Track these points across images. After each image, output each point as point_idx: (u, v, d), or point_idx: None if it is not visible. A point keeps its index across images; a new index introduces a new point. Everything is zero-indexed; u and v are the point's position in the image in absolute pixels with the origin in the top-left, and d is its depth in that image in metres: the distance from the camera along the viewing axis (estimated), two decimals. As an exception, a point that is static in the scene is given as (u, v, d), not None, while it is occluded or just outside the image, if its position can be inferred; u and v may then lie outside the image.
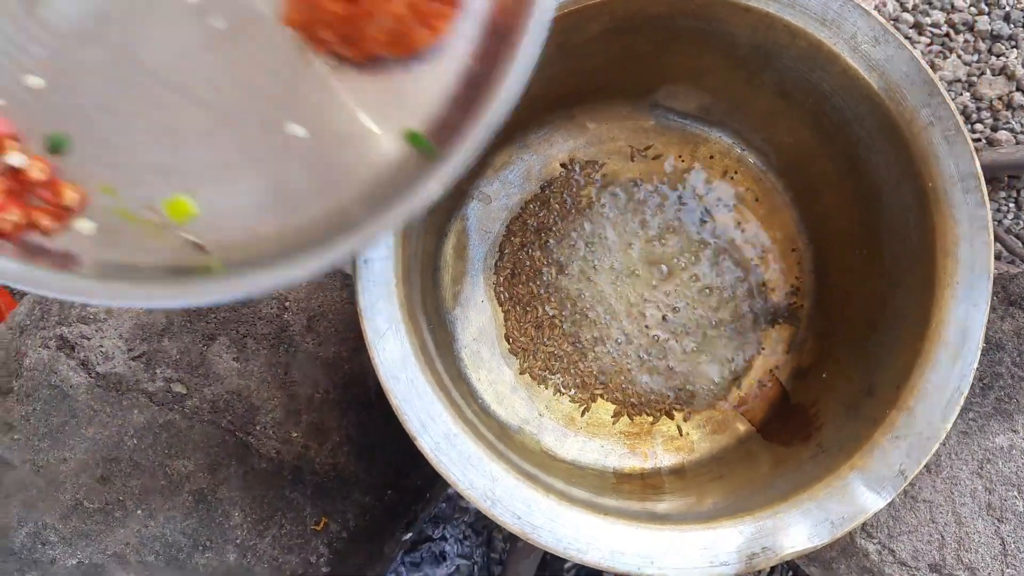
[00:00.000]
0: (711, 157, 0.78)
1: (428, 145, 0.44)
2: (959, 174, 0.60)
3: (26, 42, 0.40)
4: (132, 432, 0.69)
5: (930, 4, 0.99)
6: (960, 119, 0.60)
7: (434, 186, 0.42)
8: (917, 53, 0.60)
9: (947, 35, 0.98)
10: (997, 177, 0.94)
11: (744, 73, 0.69)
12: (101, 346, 0.71)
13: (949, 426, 0.58)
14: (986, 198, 0.59)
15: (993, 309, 0.74)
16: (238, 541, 0.69)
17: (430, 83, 0.44)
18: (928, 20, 0.98)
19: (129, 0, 0.41)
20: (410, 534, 0.88)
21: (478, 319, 0.76)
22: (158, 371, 0.71)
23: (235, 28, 0.43)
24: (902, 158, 0.62)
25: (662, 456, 0.76)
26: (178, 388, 0.71)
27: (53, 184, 0.39)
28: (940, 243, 0.60)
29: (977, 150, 0.92)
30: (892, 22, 0.97)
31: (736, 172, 0.78)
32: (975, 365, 0.58)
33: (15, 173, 0.39)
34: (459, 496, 0.95)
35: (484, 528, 0.92)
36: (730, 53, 0.67)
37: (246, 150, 0.42)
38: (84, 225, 0.41)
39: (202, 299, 0.39)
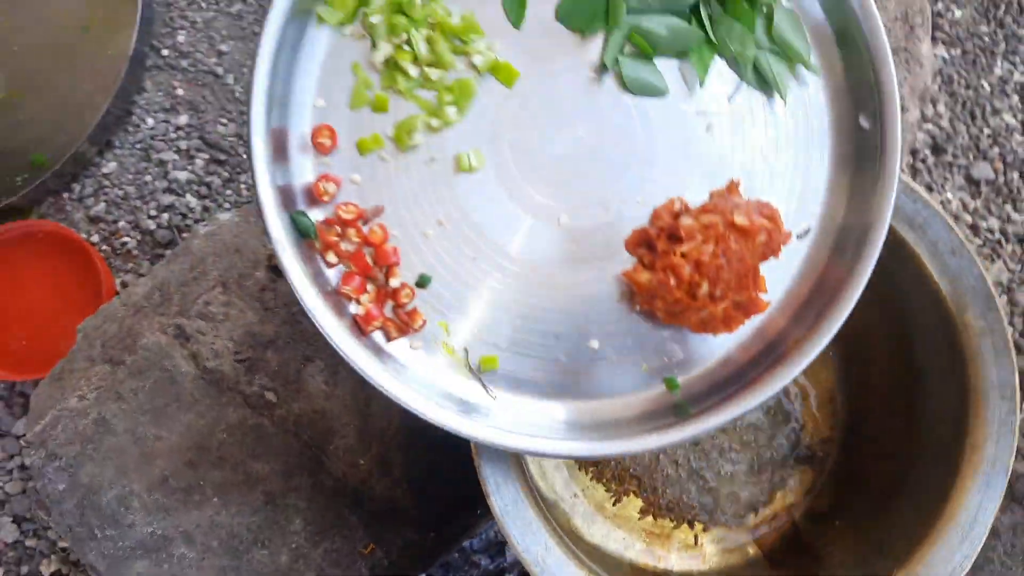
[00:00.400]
0: (776, 304, 0.87)
1: (682, 401, 0.56)
2: (999, 381, 0.69)
3: (436, 209, 0.53)
4: (224, 427, 0.76)
5: (989, 211, 1.09)
6: (1011, 335, 0.69)
7: (654, 441, 0.52)
8: (984, 270, 0.70)
9: (999, 242, 1.08)
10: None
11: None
12: (213, 344, 0.79)
13: (946, 598, 0.65)
14: (1018, 408, 0.68)
15: (997, 501, 0.82)
16: (293, 546, 0.76)
17: (703, 355, 0.56)
18: (984, 224, 1.08)
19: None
20: (423, 575, 0.95)
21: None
22: (256, 378, 0.79)
23: (583, 260, 0.55)
24: (953, 354, 0.71)
25: (675, 560, 0.83)
26: (270, 396, 0.78)
27: (412, 311, 0.53)
28: (971, 436, 0.69)
29: (1006, 352, 1.01)
30: (953, 218, 1.08)
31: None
32: (978, 549, 0.66)
33: (388, 290, 0.52)
34: (472, 550, 1.02)
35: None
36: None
37: (549, 347, 0.55)
38: (415, 343, 0.54)
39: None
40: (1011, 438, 0.68)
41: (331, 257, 0.51)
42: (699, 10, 0.51)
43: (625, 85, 0.52)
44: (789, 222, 0.55)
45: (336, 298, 0.52)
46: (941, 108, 1.10)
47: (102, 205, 1.08)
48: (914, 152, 1.08)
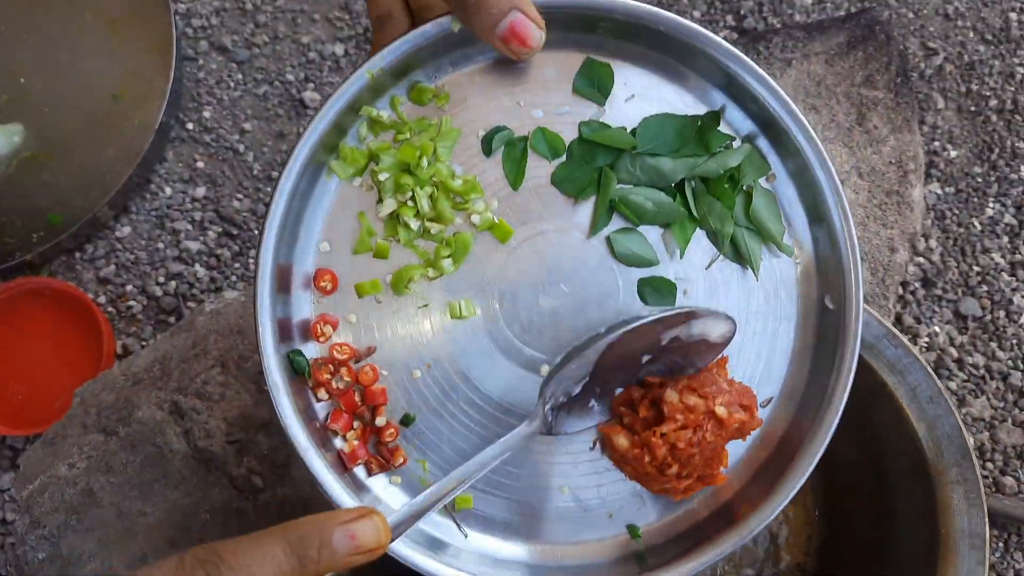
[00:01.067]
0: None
1: (643, 550, 0.58)
2: (970, 531, 0.70)
3: (425, 352, 0.56)
4: (208, 508, 0.77)
5: (975, 347, 1.12)
6: (983, 485, 0.71)
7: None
8: (960, 420, 0.72)
9: (983, 377, 1.11)
10: (994, 522, 1.04)
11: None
12: (207, 423, 0.80)
13: None
14: (987, 558, 0.69)
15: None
16: (264, 635, 0.76)
17: (666, 506, 0.59)
18: (970, 360, 1.11)
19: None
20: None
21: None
22: (245, 460, 0.80)
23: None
24: (927, 499, 0.72)
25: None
26: (257, 480, 0.80)
27: (395, 448, 0.55)
28: (939, 583, 0.70)
29: (989, 494, 1.02)
30: (939, 352, 1.10)
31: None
32: None
33: (374, 428, 0.55)
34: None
35: None
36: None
37: (522, 490, 0.58)
38: (395, 479, 0.56)
39: None
40: (979, 589, 0.69)
41: (322, 394, 0.54)
42: (683, 187, 0.55)
43: (616, 256, 0.56)
44: (756, 385, 0.57)
45: (323, 432, 0.54)
46: (933, 243, 1.14)
47: (112, 267, 1.11)
48: (904, 284, 1.11)
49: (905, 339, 0.73)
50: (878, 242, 0.89)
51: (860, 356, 0.74)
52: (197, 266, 1.11)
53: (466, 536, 0.56)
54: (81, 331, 1.07)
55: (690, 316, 0.54)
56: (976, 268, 1.14)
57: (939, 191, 1.17)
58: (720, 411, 0.55)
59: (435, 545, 0.55)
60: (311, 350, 0.54)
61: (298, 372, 0.53)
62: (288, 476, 0.81)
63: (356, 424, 0.54)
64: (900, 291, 1.12)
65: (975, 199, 1.17)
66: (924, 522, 0.72)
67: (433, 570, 0.53)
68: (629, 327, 0.53)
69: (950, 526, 0.71)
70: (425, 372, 0.55)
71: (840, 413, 0.54)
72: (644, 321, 0.53)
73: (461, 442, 0.55)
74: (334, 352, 0.54)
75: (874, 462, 0.79)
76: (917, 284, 1.13)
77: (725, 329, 0.55)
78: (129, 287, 1.11)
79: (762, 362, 0.57)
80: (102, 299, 1.10)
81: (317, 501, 0.79)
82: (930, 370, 0.72)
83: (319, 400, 0.54)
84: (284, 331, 0.53)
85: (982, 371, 1.11)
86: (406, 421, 0.55)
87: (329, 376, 0.53)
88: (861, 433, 0.80)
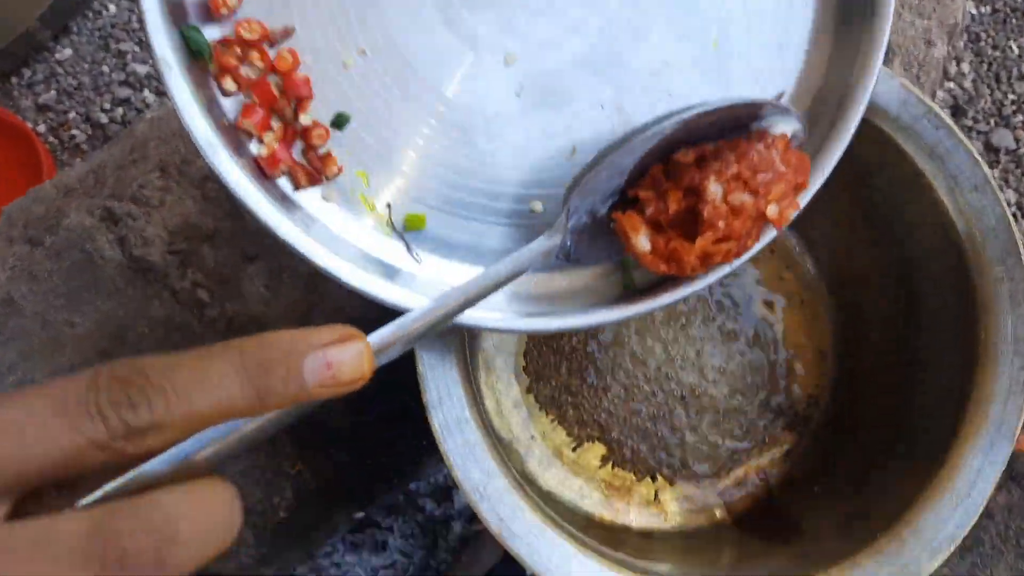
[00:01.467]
0: (771, 251, 0.80)
1: (630, 275, 0.50)
2: (1014, 336, 0.61)
3: (358, 29, 0.44)
4: (146, 321, 0.68)
5: (1006, 182, 1.02)
6: (1029, 287, 0.61)
7: (600, 316, 0.48)
8: (1008, 212, 0.62)
9: (1014, 215, 1.01)
10: None
11: (835, 181, 0.71)
12: (144, 231, 0.71)
13: (934, 568, 0.58)
14: (1032, 366, 0.60)
15: (994, 478, 0.75)
16: (211, 459, 0.68)
17: None
18: (1001, 196, 1.01)
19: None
20: (361, 514, 0.87)
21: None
22: (189, 272, 0.71)
23: (533, 109, 0.48)
24: (964, 303, 0.63)
25: (635, 516, 0.76)
26: (203, 295, 0.70)
27: (326, 155, 0.44)
28: (976, 395, 0.61)
29: None
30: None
31: (788, 271, 0.79)
32: (975, 519, 0.59)
33: (298, 129, 0.44)
34: (418, 493, 0.94)
35: (432, 532, 0.91)
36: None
37: (484, 208, 0.47)
38: (329, 194, 0.45)
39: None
40: (1020, 399, 0.60)
41: (228, 84, 0.42)
42: None
43: None
44: (765, 79, 0.47)
45: (234, 134, 0.43)
46: (965, 67, 1.03)
47: (52, 93, 0.99)
48: (932, 111, 1.01)
49: (949, 119, 0.62)
50: (913, 33, 0.78)
51: (895, 140, 0.64)
52: (146, 91, 1.00)
53: (419, 262, 0.46)
54: (18, 163, 0.96)
55: (760, 107, 0.43)
56: (1011, 96, 1.03)
57: (974, 11, 1.05)
58: (771, 211, 0.46)
59: (386, 272, 0.45)
60: (212, 33, 0.43)
61: (196, 54, 0.43)
62: (239, 292, 0.71)
63: (275, 124, 0.44)
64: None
65: (1014, 19, 1.05)
66: (959, 330, 0.63)
67: (388, 296, 0.43)
68: (679, 118, 0.43)
69: (991, 330, 0.61)
70: (359, 61, 0.44)
71: (859, 118, 0.44)
72: (698, 111, 0.42)
73: (409, 150, 0.44)
74: (240, 30, 0.43)
75: (902, 272, 0.70)
76: (946, 112, 1.02)
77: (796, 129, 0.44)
78: (72, 114, 1.00)
79: (774, 49, 0.47)
80: (42, 127, 0.99)
81: (270, 319, 0.70)
82: (977, 155, 0.62)
83: (226, 94, 0.44)
84: (176, 9, 0.42)
85: (1014, 208, 1.01)
86: (338, 122, 0.44)
87: (236, 61, 0.42)
88: (887, 239, 0.70)
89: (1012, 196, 1.00)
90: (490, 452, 0.59)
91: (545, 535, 0.58)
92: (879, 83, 0.63)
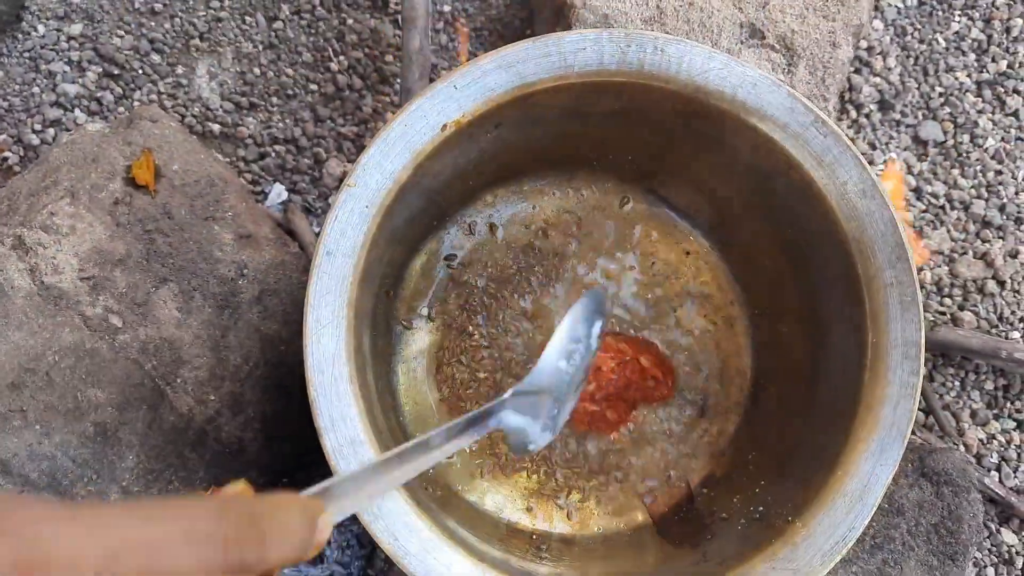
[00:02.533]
0: (687, 254, 0.80)
1: None
2: (903, 340, 0.62)
3: None
4: (56, 349, 0.69)
5: (935, 175, 1.02)
6: (918, 288, 0.62)
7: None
8: (898, 216, 0.63)
9: (943, 207, 1.01)
10: (949, 355, 0.96)
11: (738, 187, 0.72)
12: (55, 258, 0.71)
13: (826, 571, 0.59)
14: (921, 368, 0.61)
15: (905, 476, 0.76)
16: (124, 484, 0.68)
17: None
18: (929, 188, 1.01)
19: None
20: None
21: (422, 340, 0.77)
22: (100, 298, 0.71)
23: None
24: (856, 309, 0.64)
25: (557, 522, 0.76)
26: (114, 320, 0.71)
27: None
28: (867, 399, 0.62)
29: (939, 323, 0.94)
30: (895, 181, 1.01)
31: (708, 276, 0.80)
32: (866, 521, 0.60)
33: None
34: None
35: (369, 543, 0.92)
36: (729, 166, 0.70)
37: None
38: None
39: None
40: (911, 402, 0.61)
41: None
42: None
43: None
44: None
45: None
46: (892, 62, 1.03)
47: (-18, 116, 1.00)
48: (859, 106, 1.01)
49: (835, 126, 0.63)
50: (818, 36, 0.78)
51: (785, 149, 0.65)
52: (77, 111, 1.00)
53: None
54: (-48, 186, 0.97)
55: None
56: (939, 89, 1.04)
57: (900, 3, 1.05)
58: (644, 361, 0.71)
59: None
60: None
61: None
62: (151, 316, 0.72)
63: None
64: (854, 114, 1.02)
65: (940, 12, 1.05)
66: (854, 334, 0.64)
67: None
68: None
69: (881, 334, 0.62)
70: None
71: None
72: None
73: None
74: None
75: (806, 278, 0.71)
76: (873, 107, 1.02)
77: None
78: (3, 136, 1.00)
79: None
80: (-27, 150, 0.99)
81: (183, 342, 0.71)
82: (863, 161, 0.63)
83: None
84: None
85: (942, 200, 1.02)
86: None
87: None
88: (793, 246, 0.71)
89: (941, 188, 1.01)
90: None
91: (441, 552, 0.59)
92: (767, 92, 0.63)
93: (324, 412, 0.58)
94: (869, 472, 0.61)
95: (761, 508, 0.66)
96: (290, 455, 0.77)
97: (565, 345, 0.61)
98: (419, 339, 0.77)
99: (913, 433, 0.91)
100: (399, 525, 0.58)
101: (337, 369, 0.59)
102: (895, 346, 0.62)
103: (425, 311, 0.77)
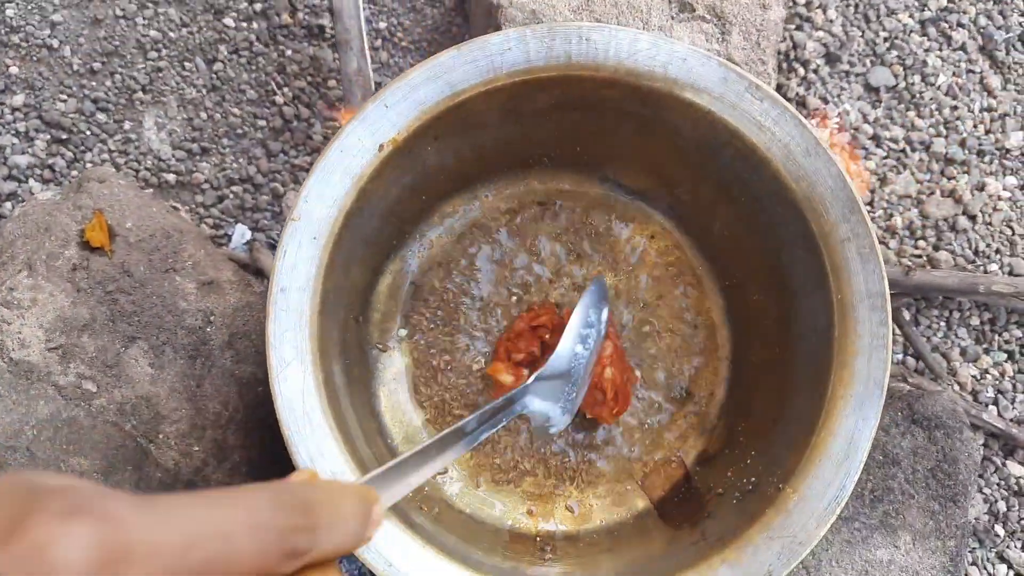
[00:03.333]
0: (652, 236, 0.80)
1: None
2: (868, 291, 0.62)
3: None
4: (34, 423, 0.69)
5: (891, 120, 1.02)
6: (876, 238, 0.62)
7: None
8: (844, 171, 0.62)
9: (903, 151, 1.01)
10: (929, 297, 0.96)
11: (686, 163, 0.72)
12: (20, 333, 0.71)
13: (823, 533, 0.59)
14: (890, 317, 0.61)
15: (896, 425, 0.75)
16: (120, 547, 0.68)
17: None
18: (887, 134, 1.01)
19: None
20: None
21: (399, 361, 0.77)
22: (72, 366, 0.71)
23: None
24: (817, 267, 0.64)
25: (559, 520, 0.76)
26: (88, 386, 0.71)
27: None
28: (840, 355, 0.62)
29: (914, 268, 0.94)
30: (852, 131, 1.00)
31: (674, 256, 0.80)
32: (856, 478, 0.60)
33: None
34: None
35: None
36: (674, 144, 0.70)
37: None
38: None
39: None
40: (884, 352, 0.61)
41: None
42: None
43: None
44: None
45: None
46: (832, 13, 1.03)
47: (-62, 199, 0.99)
48: (805, 63, 1.01)
49: (771, 89, 0.63)
50: (747, 1, 0.78)
51: (724, 119, 0.64)
52: (31, 181, 1.00)
53: None
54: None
55: None
56: (883, 33, 1.04)
57: (831, -45, 1.05)
58: (607, 374, 0.70)
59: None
60: None
61: None
62: (125, 375, 0.72)
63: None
64: (802, 71, 1.01)
65: (873, -43, 1.05)
66: (819, 292, 0.64)
67: None
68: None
69: (845, 289, 0.62)
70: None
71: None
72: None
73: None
74: None
75: (768, 244, 0.70)
76: (820, 61, 1.02)
77: None
78: (-39, 217, 1.00)
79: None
80: (-66, 235, 0.99)
81: (160, 397, 0.71)
82: (803, 120, 0.63)
83: None
84: None
85: (902, 144, 1.01)
86: None
87: None
88: (749, 213, 0.71)
89: (899, 132, 1.00)
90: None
91: (439, 571, 0.58)
92: (698, 66, 0.63)
93: (301, 450, 0.58)
94: (852, 427, 0.60)
95: (753, 479, 0.66)
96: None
97: (580, 331, 0.67)
98: (396, 361, 0.77)
99: (905, 380, 0.91)
100: (393, 550, 0.58)
101: (308, 404, 0.58)
102: (861, 299, 0.62)
103: (397, 332, 0.77)
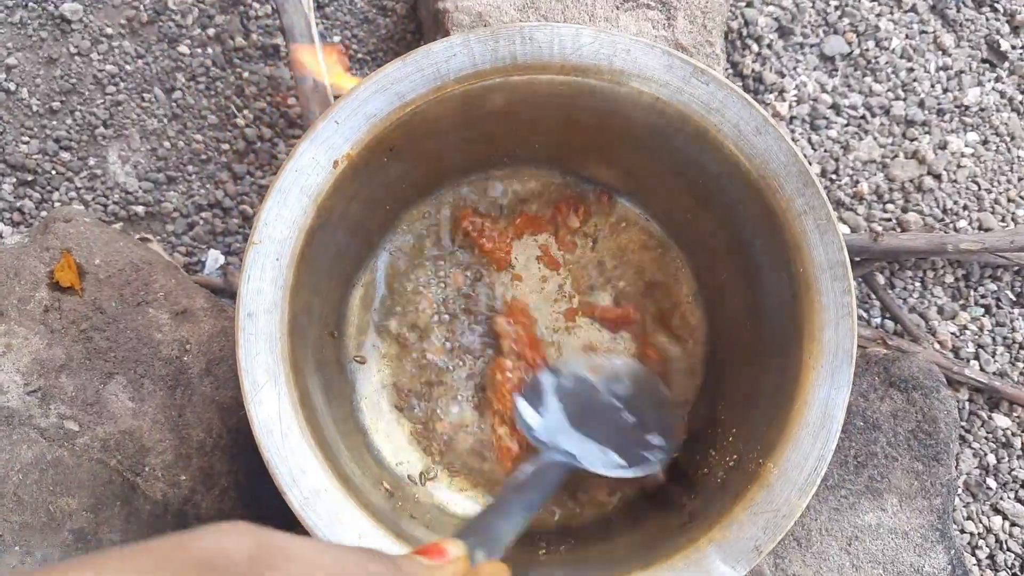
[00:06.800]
0: (618, 224, 0.81)
1: None
2: (828, 262, 0.62)
3: None
4: (19, 468, 0.69)
5: (849, 87, 1.03)
6: (831, 209, 0.62)
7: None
8: (794, 144, 0.63)
9: (863, 117, 1.02)
10: (900, 261, 0.97)
11: (643, 151, 0.72)
12: (-3, 379, 0.71)
13: (805, 504, 0.60)
14: (852, 286, 0.62)
15: (875, 390, 0.76)
16: (116, 582, 0.69)
17: None
18: (846, 102, 1.02)
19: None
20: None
21: (379, 373, 0.77)
22: (52, 407, 0.71)
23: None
24: (777, 243, 0.64)
25: (550, 514, 0.77)
26: (70, 425, 0.71)
27: None
28: (807, 327, 0.63)
29: (882, 233, 0.95)
30: (811, 102, 1.01)
31: (646, 244, 0.80)
32: (833, 447, 0.60)
33: None
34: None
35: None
36: (629, 133, 0.70)
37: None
38: None
39: None
40: (850, 321, 0.62)
41: None
42: None
43: None
44: None
45: None
46: (781, -13, 1.03)
47: (-90, 253, 0.99)
48: (759, 39, 1.01)
49: (717, 72, 0.63)
50: (689, -16, 0.79)
51: (674, 105, 0.65)
52: (1, 225, 1.00)
53: None
54: None
55: None
56: (834, 2, 1.04)
57: (775, -71, 1.05)
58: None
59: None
60: None
61: None
62: (106, 411, 0.72)
63: None
64: (755, 47, 1.02)
65: (816, -73, 1.06)
66: (782, 268, 0.65)
67: None
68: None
69: (806, 262, 0.63)
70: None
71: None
72: None
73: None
74: None
75: (730, 225, 0.71)
76: (773, 36, 1.03)
77: None
78: (-65, 268, 1.00)
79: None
80: (-91, 289, 0.99)
81: (143, 430, 0.71)
82: (750, 99, 0.63)
83: None
84: None
85: (861, 110, 1.02)
86: None
87: None
88: (707, 196, 0.71)
89: (859, 99, 1.01)
90: (361, 512, 0.60)
91: None
92: (642, 55, 0.64)
93: (282, 471, 0.58)
94: (826, 397, 0.61)
95: (735, 456, 0.66)
96: (276, 513, 0.77)
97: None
98: (375, 373, 0.77)
99: (885, 345, 0.92)
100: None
101: (285, 424, 0.59)
102: (822, 270, 0.62)
103: (374, 344, 0.78)
